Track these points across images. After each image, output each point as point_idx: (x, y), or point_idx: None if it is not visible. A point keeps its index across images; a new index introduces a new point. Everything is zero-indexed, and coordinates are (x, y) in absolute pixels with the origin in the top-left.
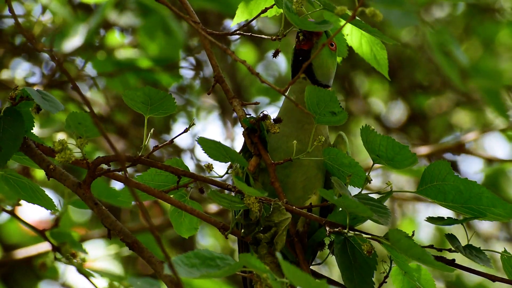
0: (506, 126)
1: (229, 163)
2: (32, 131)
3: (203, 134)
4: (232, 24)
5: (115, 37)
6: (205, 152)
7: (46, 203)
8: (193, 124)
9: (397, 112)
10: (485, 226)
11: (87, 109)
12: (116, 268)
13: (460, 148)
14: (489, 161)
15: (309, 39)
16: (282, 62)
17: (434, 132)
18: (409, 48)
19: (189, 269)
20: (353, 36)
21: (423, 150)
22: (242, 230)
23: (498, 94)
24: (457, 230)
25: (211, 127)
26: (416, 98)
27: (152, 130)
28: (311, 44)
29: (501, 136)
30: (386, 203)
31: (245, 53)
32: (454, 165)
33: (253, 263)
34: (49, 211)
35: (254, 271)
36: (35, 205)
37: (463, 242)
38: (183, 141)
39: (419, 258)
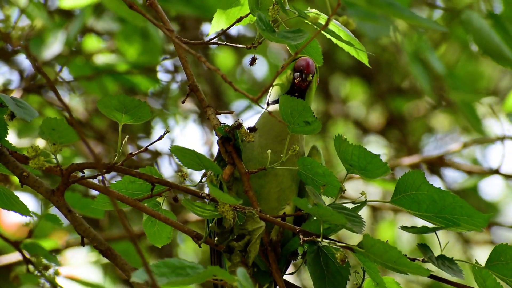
0: (490, 137)
1: (203, 171)
2: (6, 138)
3: (182, 138)
4: (209, 33)
5: (93, 42)
6: (179, 161)
7: (21, 209)
8: (168, 131)
9: (376, 116)
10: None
11: (66, 114)
12: (96, 274)
13: (440, 161)
14: (470, 172)
15: (306, 80)
16: (260, 67)
17: (413, 135)
18: (387, 52)
19: (159, 278)
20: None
21: (407, 160)
22: (216, 239)
23: (473, 107)
24: (435, 238)
25: (190, 131)
26: (395, 101)
27: (126, 137)
28: (308, 83)
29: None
30: (365, 213)
31: (224, 57)
32: (440, 176)
33: (222, 273)
34: (26, 217)
35: (224, 279)
36: (10, 211)
37: (443, 250)
38: (161, 145)
39: (394, 262)
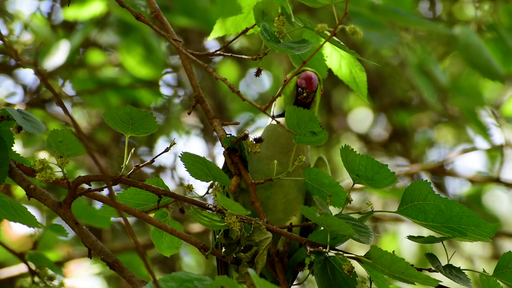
0: (490, 146)
1: (210, 182)
2: (12, 149)
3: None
4: (208, 38)
5: (96, 56)
6: (187, 170)
7: (28, 221)
8: (174, 143)
9: (379, 129)
10: (468, 244)
11: (71, 128)
12: (99, 286)
13: (442, 169)
14: (472, 181)
15: (309, 95)
16: (264, 79)
17: (415, 149)
18: (390, 66)
19: None
20: (333, 58)
21: (407, 169)
22: (223, 250)
23: (478, 115)
24: (441, 250)
25: (192, 145)
26: (398, 115)
27: (132, 150)
28: (312, 98)
29: (484, 155)
30: (369, 224)
31: (227, 69)
32: (439, 185)
33: (229, 283)
34: (33, 228)
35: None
36: (17, 223)
37: (445, 261)
38: (164, 159)
39: (402, 273)
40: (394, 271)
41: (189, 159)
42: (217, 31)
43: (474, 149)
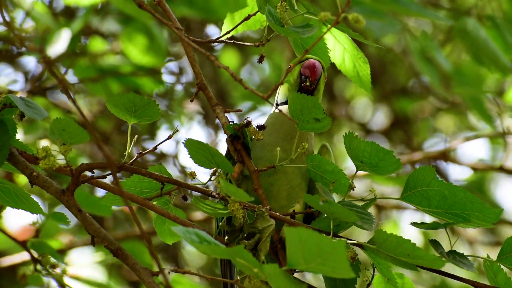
0: (493, 133)
1: (213, 170)
2: (15, 137)
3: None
4: (221, 33)
5: (97, 44)
6: (190, 157)
7: (32, 207)
8: (177, 131)
9: (380, 117)
10: (470, 230)
11: (72, 115)
12: (101, 275)
13: (444, 156)
14: (474, 169)
15: (313, 83)
16: (266, 67)
17: (417, 136)
18: (391, 53)
19: (191, 243)
20: (336, 51)
21: (407, 157)
22: (226, 237)
23: (481, 101)
24: (442, 237)
25: (194, 133)
26: (399, 102)
27: (136, 137)
28: (316, 86)
29: (487, 142)
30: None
31: (228, 57)
32: (441, 173)
33: (245, 255)
34: (36, 215)
35: (246, 263)
36: (20, 210)
37: (447, 248)
38: (166, 147)
39: (408, 255)
40: (399, 254)
41: (193, 146)
42: (227, 26)
43: (477, 136)
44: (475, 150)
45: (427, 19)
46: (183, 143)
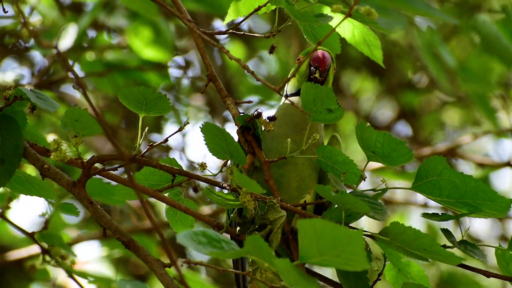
0: (498, 130)
1: (223, 161)
2: (25, 129)
3: (193, 134)
4: (224, 23)
5: (104, 38)
6: (205, 144)
7: (45, 193)
8: (188, 122)
9: (386, 111)
10: (476, 225)
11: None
12: (107, 269)
13: (452, 152)
14: (481, 165)
15: (322, 74)
16: (272, 61)
17: (423, 130)
18: (398, 47)
19: (197, 245)
20: (346, 28)
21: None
22: (237, 229)
23: (486, 98)
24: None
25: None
26: (406, 96)
27: (146, 129)
28: (325, 77)
29: (494, 138)
30: None
31: (234, 53)
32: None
33: (261, 244)
34: (47, 200)
35: (260, 255)
36: (34, 196)
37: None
38: (172, 141)
39: (425, 249)
40: (416, 248)
41: (210, 131)
42: (231, 15)
43: (485, 132)
44: (482, 146)
45: (433, 18)
46: (200, 127)
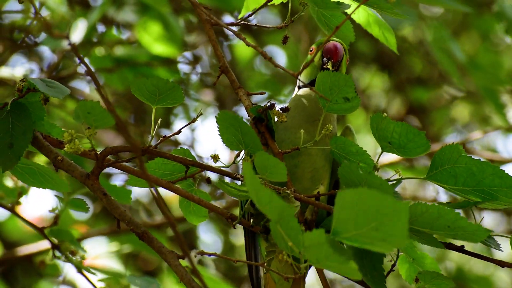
0: (508, 125)
1: (236, 152)
2: (43, 120)
3: (201, 129)
4: (240, 16)
5: (113, 34)
6: (219, 135)
7: (58, 186)
8: (201, 113)
9: (396, 106)
10: (484, 218)
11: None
12: (116, 265)
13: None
14: (491, 161)
15: (335, 65)
16: (280, 56)
17: (433, 126)
18: (407, 42)
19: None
20: (360, 14)
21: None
22: (251, 220)
23: (495, 92)
24: None
25: (210, 122)
26: (415, 91)
27: (159, 121)
28: (338, 69)
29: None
30: None
31: (243, 47)
32: None
33: (289, 218)
34: (60, 193)
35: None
36: (47, 189)
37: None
38: (181, 136)
39: (449, 226)
40: (437, 227)
41: (225, 121)
42: (247, 9)
43: (495, 128)
44: (492, 141)
45: (446, 7)
46: (216, 116)
